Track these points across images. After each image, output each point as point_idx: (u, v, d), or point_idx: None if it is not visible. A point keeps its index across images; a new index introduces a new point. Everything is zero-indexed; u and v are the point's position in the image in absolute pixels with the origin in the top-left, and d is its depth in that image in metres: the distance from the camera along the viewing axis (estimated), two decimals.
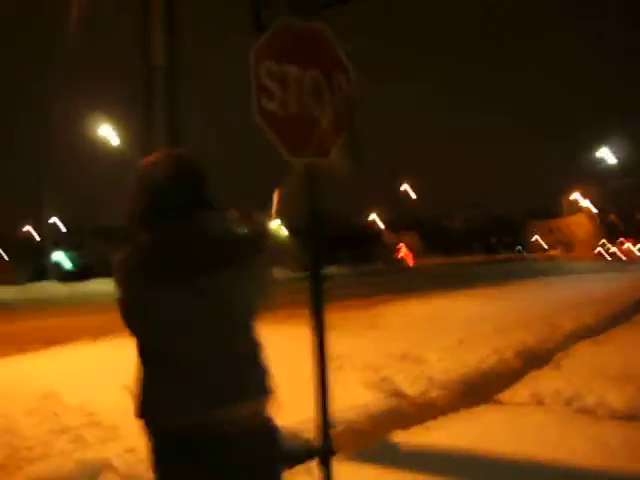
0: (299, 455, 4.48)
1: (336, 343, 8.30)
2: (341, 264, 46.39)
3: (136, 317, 2.11)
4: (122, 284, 2.14)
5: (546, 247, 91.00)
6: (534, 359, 8.37)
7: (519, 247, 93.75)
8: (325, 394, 3.75)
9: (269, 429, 2.16)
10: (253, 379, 2.11)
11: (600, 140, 50.54)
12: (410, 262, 58.33)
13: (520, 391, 6.62)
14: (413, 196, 73.92)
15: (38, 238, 47.54)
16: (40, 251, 40.47)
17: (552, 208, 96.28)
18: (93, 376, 7.46)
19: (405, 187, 74.01)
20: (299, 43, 3.71)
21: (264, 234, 2.21)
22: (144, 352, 2.14)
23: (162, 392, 2.08)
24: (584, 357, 8.24)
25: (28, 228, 59.27)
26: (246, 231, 2.16)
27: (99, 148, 31.64)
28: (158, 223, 2.07)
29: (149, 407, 2.12)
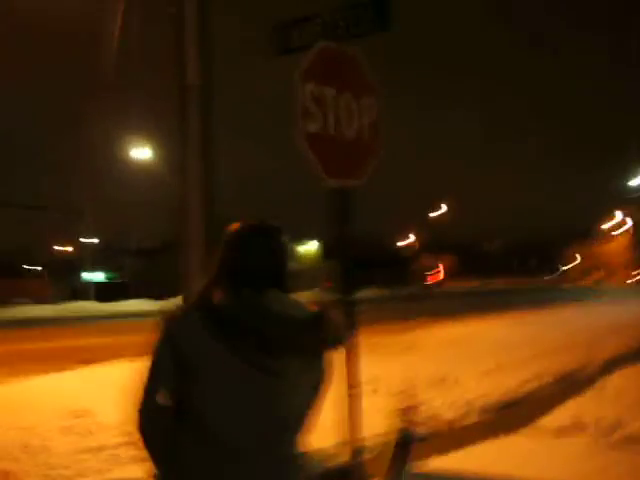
0: (333, 477, 4.41)
1: (371, 367, 8.29)
2: (377, 286, 46.28)
3: (192, 378, 1.95)
4: (183, 337, 1.97)
5: (585, 271, 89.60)
6: (575, 384, 8.19)
7: (560, 268, 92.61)
8: (357, 417, 3.69)
9: None
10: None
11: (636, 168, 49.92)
12: (439, 282, 57.95)
13: (561, 416, 6.48)
14: (448, 217, 73.36)
15: (76, 257, 48.16)
16: (78, 270, 41.02)
17: (592, 232, 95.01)
18: (130, 396, 7.47)
19: (440, 210, 73.59)
20: (336, 66, 3.73)
21: (337, 336, 2.10)
22: (187, 418, 2.00)
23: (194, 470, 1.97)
24: (626, 383, 8.04)
25: (65, 248, 60.15)
26: (320, 323, 2.01)
27: (137, 169, 32.03)
28: (239, 291, 1.97)
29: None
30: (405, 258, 64.14)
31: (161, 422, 2.05)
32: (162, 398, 2.01)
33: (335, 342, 2.04)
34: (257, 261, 2.00)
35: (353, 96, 3.84)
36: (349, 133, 3.81)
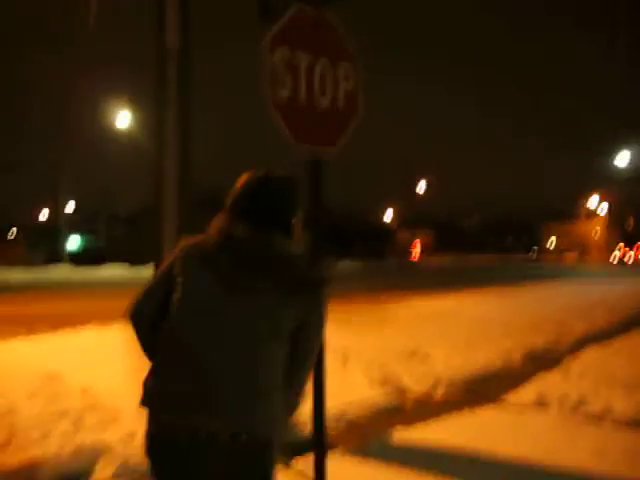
0: (295, 448, 4.44)
1: (343, 338, 8.36)
2: (354, 259, 46.40)
3: (185, 297, 2.13)
4: (187, 263, 2.17)
5: (561, 250, 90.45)
6: (542, 361, 8.30)
7: (534, 248, 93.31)
8: (322, 389, 3.70)
9: (267, 457, 2.12)
10: (263, 404, 2.08)
11: (620, 144, 50.16)
12: (416, 258, 58.18)
13: (526, 393, 6.55)
14: (427, 193, 73.46)
15: (54, 222, 47.72)
16: (55, 235, 40.65)
17: (569, 211, 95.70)
18: (98, 360, 7.47)
19: (422, 185, 73.62)
20: (311, 31, 3.66)
21: (329, 279, 2.19)
22: (169, 337, 2.15)
23: (173, 386, 2.08)
24: (593, 361, 8.15)
25: (44, 212, 59.61)
26: (313, 269, 2.17)
27: (114, 135, 31.70)
28: (249, 225, 2.14)
29: (156, 398, 2.11)
30: (386, 232, 64.25)
31: (147, 320, 2.27)
32: (153, 303, 2.25)
33: (317, 282, 2.15)
34: (262, 205, 2.17)
35: (330, 62, 3.76)
36: (323, 101, 3.75)
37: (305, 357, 2.20)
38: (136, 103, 29.19)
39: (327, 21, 3.78)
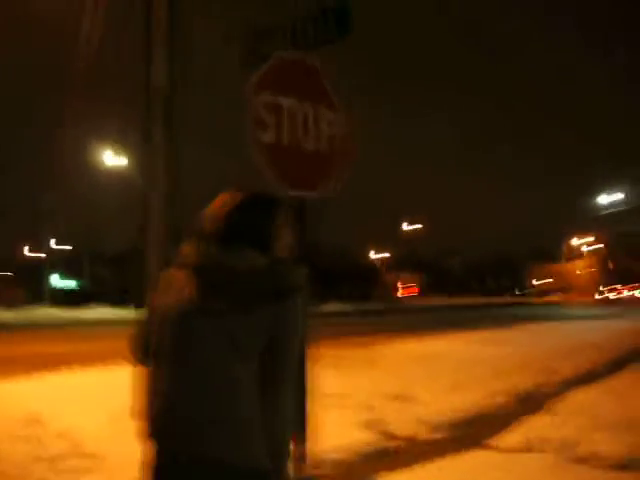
0: None
1: (331, 380, 8.27)
2: (341, 300, 46.34)
3: (157, 328, 2.18)
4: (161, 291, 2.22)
5: (544, 291, 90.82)
6: (528, 404, 8.26)
7: (517, 290, 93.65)
8: (305, 430, 3.66)
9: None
10: (228, 430, 2.04)
11: (602, 186, 50.85)
12: (404, 296, 58.25)
13: (511, 436, 6.51)
14: (413, 234, 73.89)
15: (37, 261, 47.38)
16: (39, 275, 40.36)
17: (552, 251, 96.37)
18: (81, 403, 7.36)
19: (406, 227, 74.03)
20: (294, 76, 3.70)
21: (297, 286, 2.15)
22: (157, 359, 2.16)
23: (152, 414, 2.11)
24: (579, 403, 8.13)
25: (27, 251, 59.19)
26: (280, 279, 2.13)
27: (103, 173, 31.72)
28: (216, 250, 2.14)
29: (158, 420, 2.11)
30: (372, 273, 64.28)
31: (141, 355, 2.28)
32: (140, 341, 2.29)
33: (286, 292, 2.10)
34: (232, 224, 2.17)
35: (312, 106, 3.79)
36: (307, 144, 3.77)
37: (279, 377, 2.11)
38: (124, 142, 29.28)
39: (310, 66, 3.82)
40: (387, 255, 77.77)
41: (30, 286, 41.83)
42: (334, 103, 3.93)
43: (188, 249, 2.19)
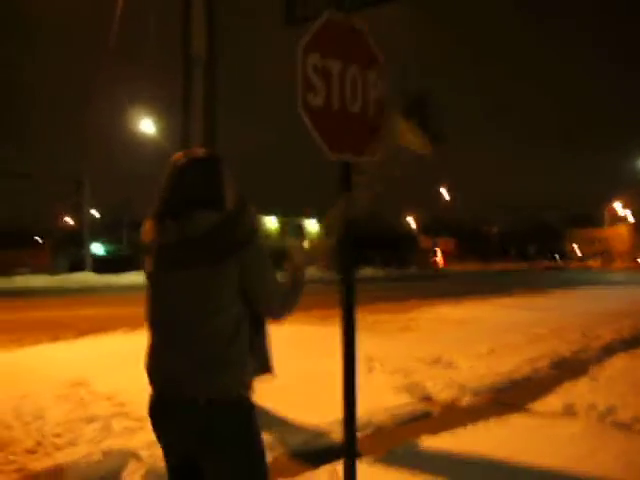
0: (324, 454, 4.44)
1: (368, 345, 8.33)
2: (376, 266, 46.30)
3: (149, 289, 2.46)
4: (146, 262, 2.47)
5: (585, 257, 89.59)
6: (569, 370, 8.22)
7: (556, 255, 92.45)
8: (352, 395, 3.69)
9: (243, 407, 2.36)
10: (225, 359, 2.30)
11: None
12: (440, 265, 57.98)
13: (553, 401, 6.49)
14: (448, 200, 73.22)
15: (77, 229, 48.10)
16: (78, 242, 40.96)
17: (593, 217, 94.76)
18: (125, 366, 7.50)
19: (443, 191, 73.38)
20: (342, 38, 3.66)
21: (253, 231, 2.36)
22: (150, 322, 2.45)
23: (158, 359, 2.40)
24: (621, 370, 8.06)
25: (67, 219, 60.16)
26: (238, 230, 2.34)
27: (140, 142, 31.90)
28: (174, 214, 2.35)
29: (149, 371, 2.41)
30: (408, 239, 64.00)
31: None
32: None
33: (245, 240, 2.32)
34: (179, 192, 2.37)
35: (359, 70, 3.76)
36: (354, 108, 3.75)
37: (263, 308, 2.41)
38: (161, 111, 29.33)
39: (356, 28, 3.78)
40: (421, 221, 77.35)
41: (64, 252, 42.57)
42: (380, 65, 3.88)
43: (148, 227, 2.43)
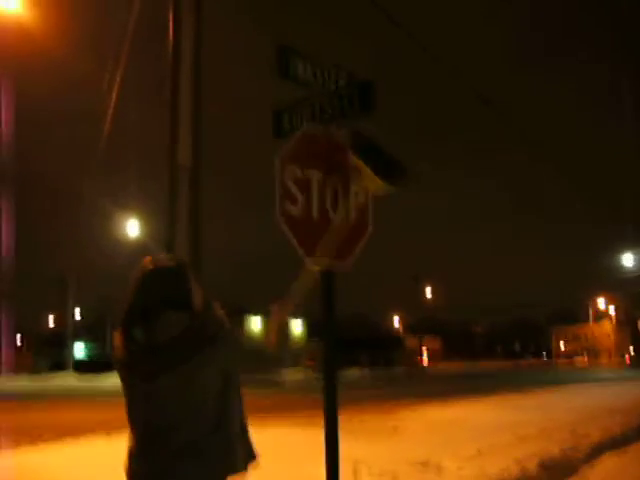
0: None
1: (354, 448, 8.19)
2: (362, 367, 45.90)
3: (128, 396, 2.50)
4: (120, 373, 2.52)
5: (571, 353, 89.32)
6: (558, 471, 8.09)
7: (544, 354, 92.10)
8: None
9: None
10: (208, 449, 2.35)
11: (628, 246, 50.29)
12: (427, 364, 57.59)
13: None
14: (434, 299, 73.39)
15: (60, 330, 47.59)
16: (60, 343, 40.45)
17: (577, 313, 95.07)
18: (103, 470, 7.33)
19: (428, 292, 73.61)
20: (321, 150, 3.82)
21: (221, 325, 2.48)
22: (131, 426, 2.49)
23: (138, 462, 2.42)
24: (610, 470, 7.96)
25: (50, 321, 59.60)
26: (205, 330, 2.43)
27: (124, 244, 32.07)
28: (142, 321, 2.42)
29: (130, 474, 2.44)
30: (394, 339, 63.73)
31: None
32: None
33: (215, 335, 2.42)
34: (148, 300, 2.45)
35: (340, 180, 3.91)
36: (335, 217, 3.87)
37: (233, 393, 2.49)
38: (146, 215, 29.69)
39: (336, 140, 3.94)
40: (407, 321, 77.26)
41: (54, 354, 41.99)
42: (360, 175, 4.02)
43: (117, 342, 2.49)
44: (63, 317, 44.47)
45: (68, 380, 31.71)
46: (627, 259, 49.36)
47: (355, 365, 44.72)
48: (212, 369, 2.38)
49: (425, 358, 60.62)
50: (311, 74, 4.06)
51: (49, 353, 43.04)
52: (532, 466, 8.28)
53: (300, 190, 3.67)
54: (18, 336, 53.41)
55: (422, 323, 77.72)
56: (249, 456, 2.51)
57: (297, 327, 61.22)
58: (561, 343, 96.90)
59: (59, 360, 38.80)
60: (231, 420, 2.42)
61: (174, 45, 6.99)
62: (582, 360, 78.73)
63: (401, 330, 75.39)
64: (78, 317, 54.58)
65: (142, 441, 2.41)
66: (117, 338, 2.48)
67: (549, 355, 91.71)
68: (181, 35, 7.02)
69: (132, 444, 2.44)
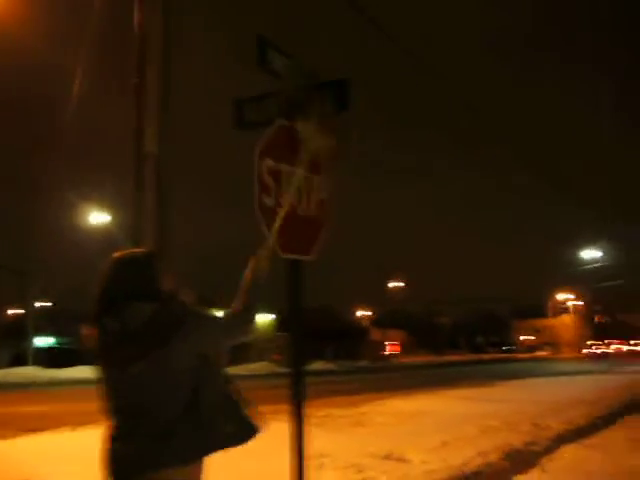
0: None
1: (319, 440, 8.19)
2: (327, 359, 46.03)
3: (104, 384, 2.55)
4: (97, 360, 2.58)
5: (532, 347, 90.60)
6: (520, 462, 8.20)
7: (508, 347, 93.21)
8: None
9: None
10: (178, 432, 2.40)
11: (587, 241, 51.17)
12: (391, 356, 57.95)
13: None
14: (399, 291, 73.87)
15: (21, 321, 46.94)
16: (22, 335, 39.88)
17: (539, 308, 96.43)
18: (70, 465, 7.26)
19: (393, 284, 74.01)
20: (291, 144, 3.83)
21: (187, 310, 2.53)
22: (109, 413, 2.53)
23: (116, 447, 2.46)
24: (571, 461, 8.09)
25: (12, 311, 58.66)
26: (173, 316, 2.49)
27: (89, 233, 31.70)
28: (112, 310, 2.48)
29: (109, 459, 2.48)
30: (358, 331, 63.98)
31: None
32: None
33: (179, 319, 2.46)
34: (111, 286, 2.54)
35: (306, 173, 3.93)
36: (302, 208, 3.90)
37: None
38: (112, 204, 29.37)
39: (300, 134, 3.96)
40: (372, 313, 77.63)
41: (13, 346, 41.35)
42: (325, 169, 4.07)
43: (89, 332, 2.55)
44: (26, 308, 43.84)
45: (34, 373, 31.29)
46: (588, 252, 50.18)
47: (320, 358, 44.81)
48: (184, 352, 2.43)
49: (390, 351, 60.92)
50: (286, 67, 4.07)
51: (9, 345, 42.35)
52: (495, 457, 8.38)
53: (273, 182, 3.71)
54: None
55: (387, 316, 78.21)
56: (242, 431, 2.55)
57: (265, 319, 61.21)
58: (523, 337, 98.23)
59: (19, 352, 38.24)
60: (208, 401, 2.46)
61: (139, 26, 6.91)
62: (543, 353, 79.88)
63: (366, 322, 75.65)
64: (49, 304, 53.93)
65: (120, 425, 2.46)
66: (88, 328, 2.54)
67: (511, 348, 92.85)
68: (148, 19, 6.95)
69: (111, 428, 2.49)
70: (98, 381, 2.54)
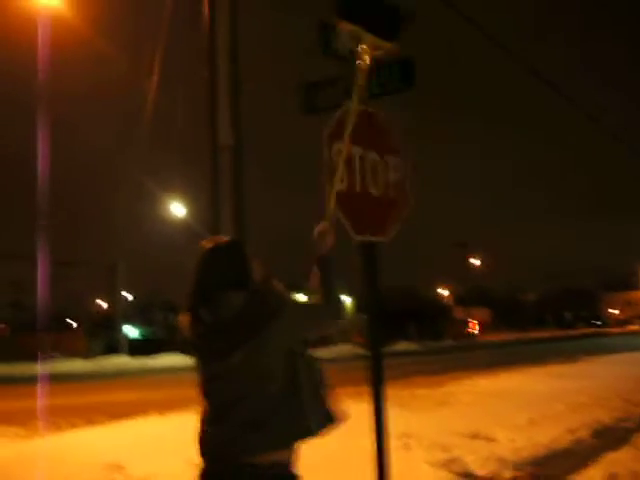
0: None
1: (404, 421, 8.23)
2: (409, 339, 45.87)
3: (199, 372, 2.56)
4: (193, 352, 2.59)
5: (624, 320, 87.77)
6: (611, 439, 8.00)
7: (598, 322, 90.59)
8: (383, 472, 3.66)
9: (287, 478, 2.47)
10: (268, 429, 2.41)
11: None
12: (476, 335, 57.22)
13: (595, 472, 6.32)
14: (482, 268, 72.74)
15: (111, 313, 48.61)
16: (112, 325, 41.29)
17: (629, 280, 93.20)
18: (159, 450, 7.49)
19: (475, 261, 72.94)
20: (361, 127, 3.82)
21: (281, 299, 2.52)
22: (203, 399, 2.54)
23: (210, 431, 2.49)
24: None
25: (100, 303, 60.82)
26: (267, 305, 2.48)
27: (172, 227, 32.38)
28: (207, 300, 2.50)
29: (202, 443, 2.50)
30: (441, 310, 63.46)
31: None
32: None
33: (274, 310, 2.45)
34: (204, 277, 2.54)
35: (378, 155, 3.94)
36: (375, 191, 3.90)
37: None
38: (191, 196, 29.85)
39: (374, 117, 3.96)
40: (453, 292, 76.81)
41: (105, 336, 42.83)
42: (398, 151, 4.05)
43: (184, 321, 2.56)
44: (114, 301, 45.40)
45: (122, 361, 32.37)
46: None
47: (404, 338, 44.68)
48: (277, 341, 2.44)
49: (474, 329, 60.20)
50: (350, 50, 4.04)
51: (102, 336, 43.89)
52: (584, 434, 8.21)
53: (344, 166, 3.69)
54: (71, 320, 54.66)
55: (471, 294, 77.21)
56: (326, 420, 2.56)
57: (345, 303, 61.44)
58: (613, 310, 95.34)
59: (112, 342, 39.59)
60: (300, 389, 2.47)
61: (210, 21, 7.01)
62: (636, 327, 77.26)
63: (450, 301, 74.90)
64: (130, 298, 55.68)
65: (214, 411, 2.49)
66: (184, 320, 2.56)
67: (601, 323, 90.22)
68: (216, 12, 7.04)
69: (205, 413, 2.52)
70: (194, 370, 2.58)
